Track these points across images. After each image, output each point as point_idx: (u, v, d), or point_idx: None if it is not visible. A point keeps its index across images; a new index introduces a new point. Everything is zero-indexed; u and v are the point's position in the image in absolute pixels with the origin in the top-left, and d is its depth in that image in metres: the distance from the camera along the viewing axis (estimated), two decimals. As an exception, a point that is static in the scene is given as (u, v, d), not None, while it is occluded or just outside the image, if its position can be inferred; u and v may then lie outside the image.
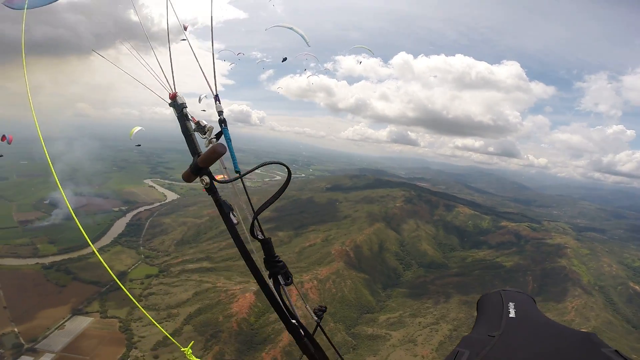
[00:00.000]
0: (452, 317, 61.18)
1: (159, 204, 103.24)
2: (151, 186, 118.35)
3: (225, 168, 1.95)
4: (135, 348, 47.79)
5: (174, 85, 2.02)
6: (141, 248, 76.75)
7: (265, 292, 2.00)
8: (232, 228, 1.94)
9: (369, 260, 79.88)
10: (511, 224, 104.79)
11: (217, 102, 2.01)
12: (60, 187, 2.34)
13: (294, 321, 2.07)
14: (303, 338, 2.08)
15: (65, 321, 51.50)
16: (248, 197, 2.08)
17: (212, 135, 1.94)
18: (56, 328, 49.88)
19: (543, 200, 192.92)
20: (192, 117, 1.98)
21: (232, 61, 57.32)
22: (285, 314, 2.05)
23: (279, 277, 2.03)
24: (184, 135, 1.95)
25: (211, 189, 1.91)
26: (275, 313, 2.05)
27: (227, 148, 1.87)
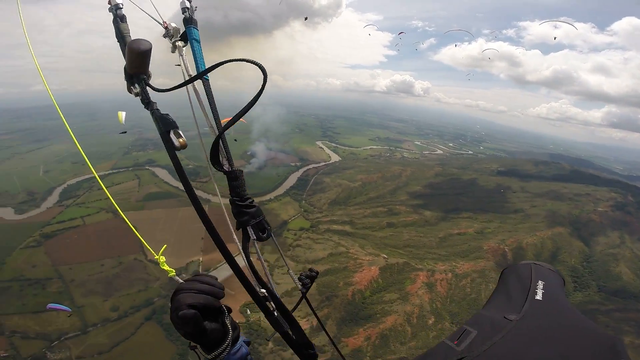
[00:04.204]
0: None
1: (324, 163, 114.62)
2: (320, 147, 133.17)
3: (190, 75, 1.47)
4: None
5: None
6: (303, 202, 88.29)
7: (222, 250, 1.48)
8: (171, 151, 1.40)
9: (530, 267, 63.16)
10: None
11: None
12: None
13: (263, 290, 1.59)
14: (273, 312, 1.59)
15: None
16: (213, 108, 1.47)
17: (177, 37, 1.55)
18: (224, 262, 68.33)
19: None
20: (163, 21, 1.58)
21: (394, 34, 53.98)
22: (250, 282, 1.52)
23: (249, 228, 1.54)
24: (117, 40, 1.54)
25: (145, 100, 1.42)
26: (239, 280, 1.48)
27: (192, 48, 1.51)
